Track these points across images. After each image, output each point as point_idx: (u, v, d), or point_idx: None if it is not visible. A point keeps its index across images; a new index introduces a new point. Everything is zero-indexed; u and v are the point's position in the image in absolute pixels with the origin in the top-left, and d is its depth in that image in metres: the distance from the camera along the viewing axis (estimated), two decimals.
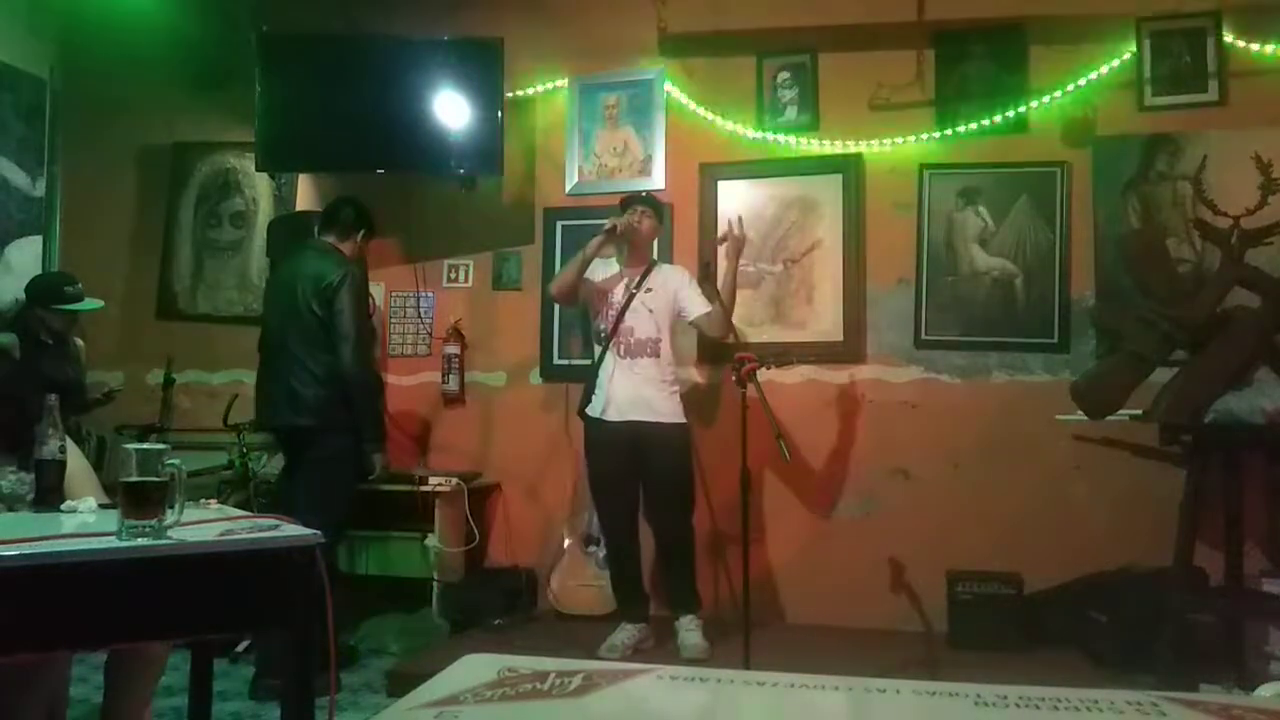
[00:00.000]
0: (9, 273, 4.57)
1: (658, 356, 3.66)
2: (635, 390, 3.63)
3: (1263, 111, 3.87)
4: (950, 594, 3.80)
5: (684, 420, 3.69)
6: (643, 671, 1.43)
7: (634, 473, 3.65)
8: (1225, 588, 3.47)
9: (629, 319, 3.67)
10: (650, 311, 3.68)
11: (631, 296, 3.69)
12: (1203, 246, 3.81)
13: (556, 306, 4.57)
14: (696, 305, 3.71)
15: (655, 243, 3.99)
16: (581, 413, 3.77)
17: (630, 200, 3.84)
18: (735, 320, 3.80)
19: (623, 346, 3.67)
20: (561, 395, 4.53)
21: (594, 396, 3.72)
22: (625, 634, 3.66)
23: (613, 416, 3.65)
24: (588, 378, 3.78)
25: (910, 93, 4.26)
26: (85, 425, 4.17)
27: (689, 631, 3.60)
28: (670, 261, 4.19)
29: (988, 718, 1.24)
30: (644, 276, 3.74)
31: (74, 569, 1.64)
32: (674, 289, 3.73)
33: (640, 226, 3.73)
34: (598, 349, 3.77)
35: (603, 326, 3.75)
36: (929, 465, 4.16)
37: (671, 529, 3.67)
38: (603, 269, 3.82)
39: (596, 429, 3.71)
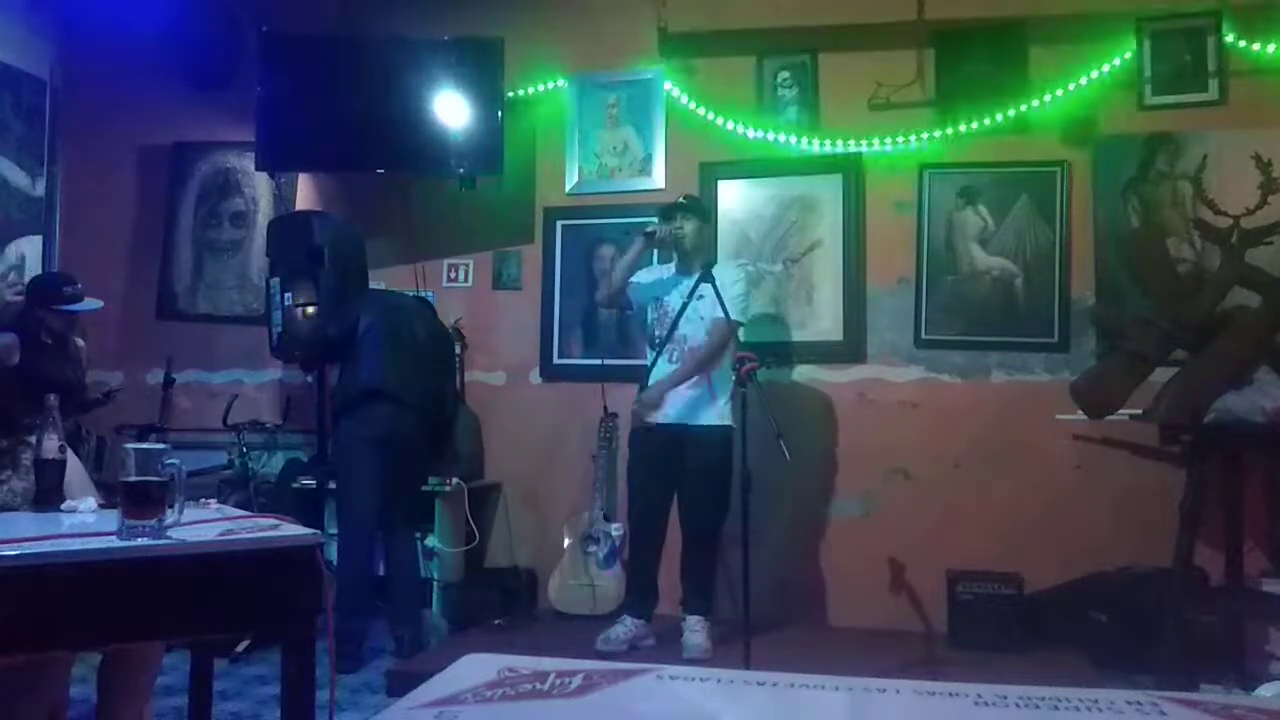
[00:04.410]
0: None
1: None
2: (681, 395, 3.64)
3: (1263, 111, 3.88)
4: (950, 594, 3.80)
5: (729, 423, 3.63)
6: (643, 671, 1.42)
7: (672, 474, 3.68)
8: (1225, 588, 3.47)
9: (683, 326, 3.68)
10: (702, 319, 3.67)
11: (686, 305, 3.68)
12: (1203, 246, 3.81)
13: (556, 306, 4.60)
14: (712, 308, 3.60)
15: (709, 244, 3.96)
16: (634, 413, 3.81)
17: (671, 209, 3.78)
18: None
19: (675, 353, 3.68)
20: (562, 395, 4.54)
21: None
22: (625, 627, 3.68)
23: (657, 419, 3.67)
24: (642, 379, 3.77)
25: (910, 93, 4.26)
26: (85, 425, 4.17)
27: (694, 632, 3.61)
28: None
29: (988, 718, 1.24)
30: (698, 283, 3.67)
31: (74, 569, 1.64)
32: (712, 294, 3.65)
33: (681, 231, 3.71)
34: (651, 353, 3.78)
35: (658, 333, 3.76)
36: (929, 465, 4.16)
37: (701, 531, 3.67)
38: (659, 272, 3.84)
39: (642, 430, 3.75)
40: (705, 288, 3.62)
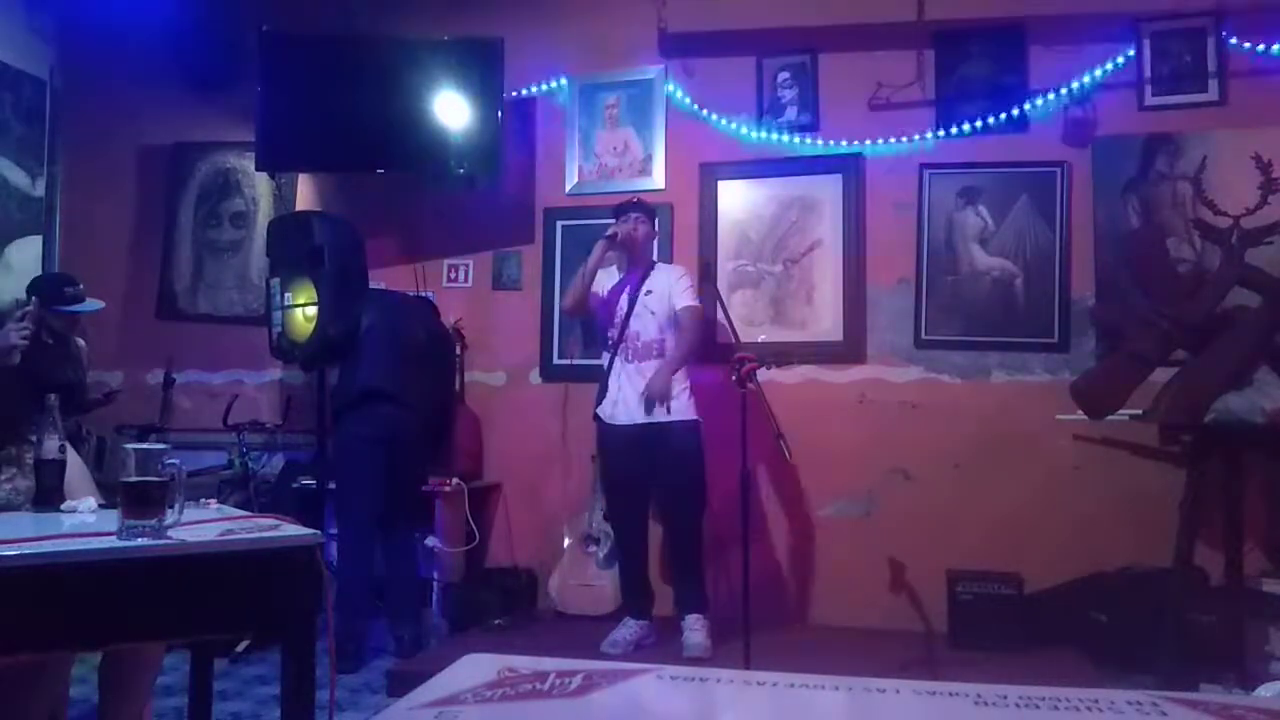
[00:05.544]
0: (9, 273, 4.57)
1: (664, 357, 3.69)
2: (640, 393, 3.66)
3: (1263, 111, 3.87)
4: (950, 594, 3.80)
5: (694, 418, 3.69)
6: (643, 671, 1.42)
7: (644, 473, 3.69)
8: (1225, 588, 3.47)
9: (634, 324, 3.73)
10: (653, 314, 3.73)
11: (634, 301, 3.74)
12: (1203, 246, 3.81)
13: (556, 307, 4.59)
14: (680, 298, 3.73)
15: (654, 244, 4.06)
16: (595, 415, 3.82)
17: (624, 207, 3.87)
18: (735, 320, 3.81)
19: (630, 351, 3.73)
20: (562, 395, 4.54)
21: (604, 400, 3.77)
22: (628, 630, 3.69)
23: (622, 420, 3.71)
24: (600, 380, 3.81)
25: (910, 93, 4.26)
26: (85, 425, 4.17)
27: (693, 631, 3.61)
28: (670, 260, 4.25)
29: (988, 718, 1.24)
30: (644, 279, 3.79)
31: (74, 569, 1.64)
32: (669, 287, 3.76)
33: (636, 233, 3.79)
34: (606, 355, 3.81)
35: (611, 333, 3.79)
36: (929, 465, 4.16)
37: (681, 528, 3.70)
38: (606, 277, 3.86)
39: (607, 432, 3.78)
40: (652, 283, 3.76)
